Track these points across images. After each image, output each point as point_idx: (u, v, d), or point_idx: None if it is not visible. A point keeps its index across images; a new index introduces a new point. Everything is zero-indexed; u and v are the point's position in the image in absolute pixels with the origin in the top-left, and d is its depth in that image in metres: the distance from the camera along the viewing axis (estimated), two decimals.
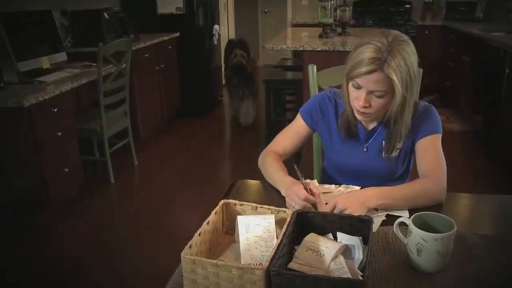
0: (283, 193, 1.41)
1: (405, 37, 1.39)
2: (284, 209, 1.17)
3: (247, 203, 1.19)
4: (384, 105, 1.41)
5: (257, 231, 1.10)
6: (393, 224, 1.19)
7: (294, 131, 1.68)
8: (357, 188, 1.48)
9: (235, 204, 1.20)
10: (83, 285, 2.47)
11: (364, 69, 1.34)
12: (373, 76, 1.34)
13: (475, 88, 4.59)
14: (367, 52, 1.34)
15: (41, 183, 2.90)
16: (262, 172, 1.59)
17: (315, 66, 1.98)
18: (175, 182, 3.73)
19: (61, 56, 3.59)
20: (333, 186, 1.51)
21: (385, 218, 1.29)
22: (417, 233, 1.05)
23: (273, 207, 1.17)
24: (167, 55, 4.88)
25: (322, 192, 1.45)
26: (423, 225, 1.08)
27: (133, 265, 2.63)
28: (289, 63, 5.14)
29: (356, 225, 1.13)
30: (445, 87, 5.64)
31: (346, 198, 1.29)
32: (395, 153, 1.54)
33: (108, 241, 2.89)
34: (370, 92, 1.39)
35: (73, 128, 3.23)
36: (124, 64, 3.60)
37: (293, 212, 1.14)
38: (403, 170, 1.60)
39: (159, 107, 4.73)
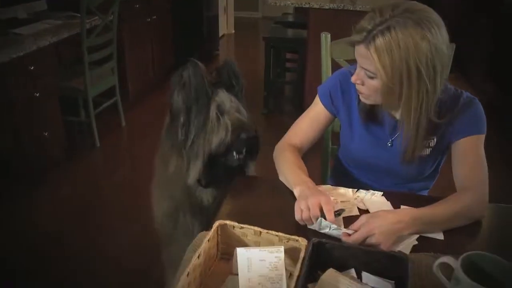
0: (296, 195, 1.16)
1: (424, 15, 1.06)
2: (296, 237, 0.92)
3: (248, 226, 0.94)
4: (375, 89, 1.16)
5: (261, 268, 0.86)
6: (426, 251, 0.98)
7: (313, 117, 1.40)
8: (379, 194, 1.24)
9: (234, 227, 0.95)
10: (66, 255, 2.30)
11: (350, 37, 1.13)
12: (359, 49, 1.14)
13: (490, 53, 4.27)
14: (363, 19, 1.11)
15: (16, 148, 2.64)
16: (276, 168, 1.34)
17: (329, 35, 1.69)
18: None
19: (40, 5, 3.24)
20: (350, 191, 1.26)
21: (416, 243, 1.05)
22: (467, 284, 0.81)
23: (282, 234, 0.93)
24: (159, 6, 4.47)
25: (339, 200, 1.21)
26: (473, 268, 0.84)
27: (118, 234, 2.46)
28: (291, 18, 4.79)
29: (384, 261, 0.90)
30: (455, 50, 5.31)
31: (382, 228, 1.00)
32: (425, 152, 1.29)
33: (92, 209, 2.71)
34: (363, 68, 1.15)
35: (53, 87, 2.92)
36: (112, 16, 3.25)
37: (309, 243, 0.90)
38: (432, 170, 1.36)
39: (150, 63, 4.38)
